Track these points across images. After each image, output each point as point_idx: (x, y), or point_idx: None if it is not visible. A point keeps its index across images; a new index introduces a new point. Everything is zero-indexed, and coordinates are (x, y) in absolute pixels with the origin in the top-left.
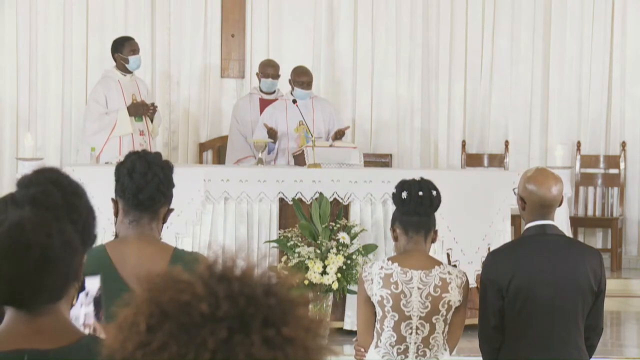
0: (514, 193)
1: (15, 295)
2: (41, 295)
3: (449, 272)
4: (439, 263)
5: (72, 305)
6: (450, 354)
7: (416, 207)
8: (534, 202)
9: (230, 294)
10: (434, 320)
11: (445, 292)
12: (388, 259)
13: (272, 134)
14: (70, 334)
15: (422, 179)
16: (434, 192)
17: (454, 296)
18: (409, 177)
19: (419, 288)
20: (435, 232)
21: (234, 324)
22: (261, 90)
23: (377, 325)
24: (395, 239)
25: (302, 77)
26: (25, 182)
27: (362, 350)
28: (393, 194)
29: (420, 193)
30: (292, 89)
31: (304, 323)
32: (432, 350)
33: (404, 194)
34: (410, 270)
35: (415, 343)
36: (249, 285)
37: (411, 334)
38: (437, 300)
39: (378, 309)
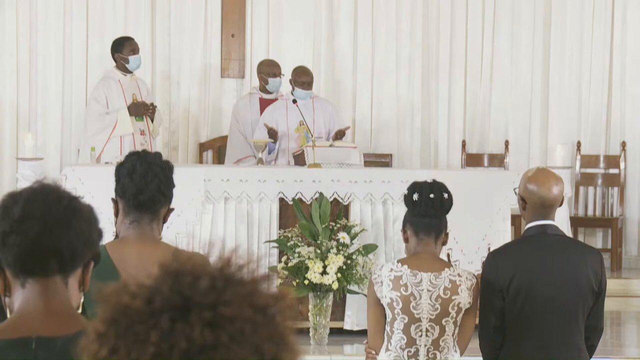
0: (515, 193)
1: (40, 239)
2: (61, 251)
3: (458, 275)
4: (449, 265)
5: (78, 305)
6: (461, 355)
7: (427, 209)
8: (534, 202)
9: (175, 286)
10: (443, 323)
11: (455, 295)
12: (398, 261)
13: (272, 134)
14: (77, 322)
15: (434, 181)
16: (445, 195)
17: (464, 298)
18: (421, 178)
19: (428, 290)
20: (447, 234)
21: (176, 315)
22: (262, 90)
23: (387, 328)
24: (406, 240)
25: (302, 77)
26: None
27: (373, 352)
28: (404, 195)
29: (431, 195)
30: (293, 89)
31: (252, 300)
32: (442, 353)
33: (415, 196)
34: (420, 273)
35: (425, 345)
36: (197, 276)
37: (421, 336)
38: (446, 302)
39: (388, 312)
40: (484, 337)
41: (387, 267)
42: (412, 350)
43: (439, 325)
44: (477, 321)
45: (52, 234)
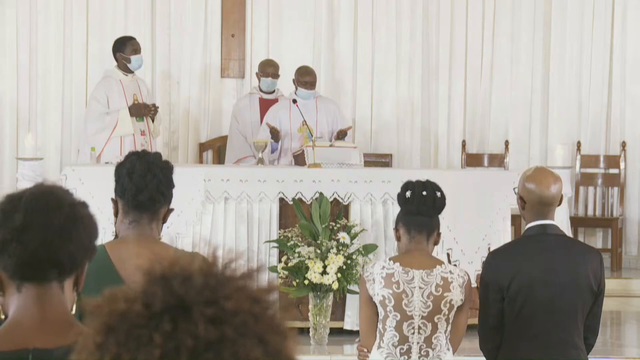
0: (514, 192)
1: (42, 250)
2: (61, 261)
3: (450, 272)
4: (441, 262)
5: (72, 303)
6: (454, 353)
7: (419, 206)
8: (533, 201)
9: (168, 288)
10: (435, 320)
11: (447, 292)
12: (390, 259)
13: (274, 133)
14: (74, 330)
15: (427, 180)
16: (438, 194)
17: (456, 295)
18: (414, 178)
19: (420, 287)
20: (439, 234)
21: (176, 314)
22: (261, 90)
23: (380, 326)
24: (398, 238)
25: (305, 77)
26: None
27: (365, 350)
28: (398, 194)
29: (424, 193)
30: (296, 88)
31: (248, 293)
32: (434, 350)
33: (408, 193)
34: (412, 270)
35: (417, 343)
36: (186, 277)
37: (413, 333)
38: (438, 299)
39: (380, 309)
40: (483, 337)
41: (379, 265)
42: (405, 347)
43: (431, 322)
44: (469, 319)
45: (53, 246)
